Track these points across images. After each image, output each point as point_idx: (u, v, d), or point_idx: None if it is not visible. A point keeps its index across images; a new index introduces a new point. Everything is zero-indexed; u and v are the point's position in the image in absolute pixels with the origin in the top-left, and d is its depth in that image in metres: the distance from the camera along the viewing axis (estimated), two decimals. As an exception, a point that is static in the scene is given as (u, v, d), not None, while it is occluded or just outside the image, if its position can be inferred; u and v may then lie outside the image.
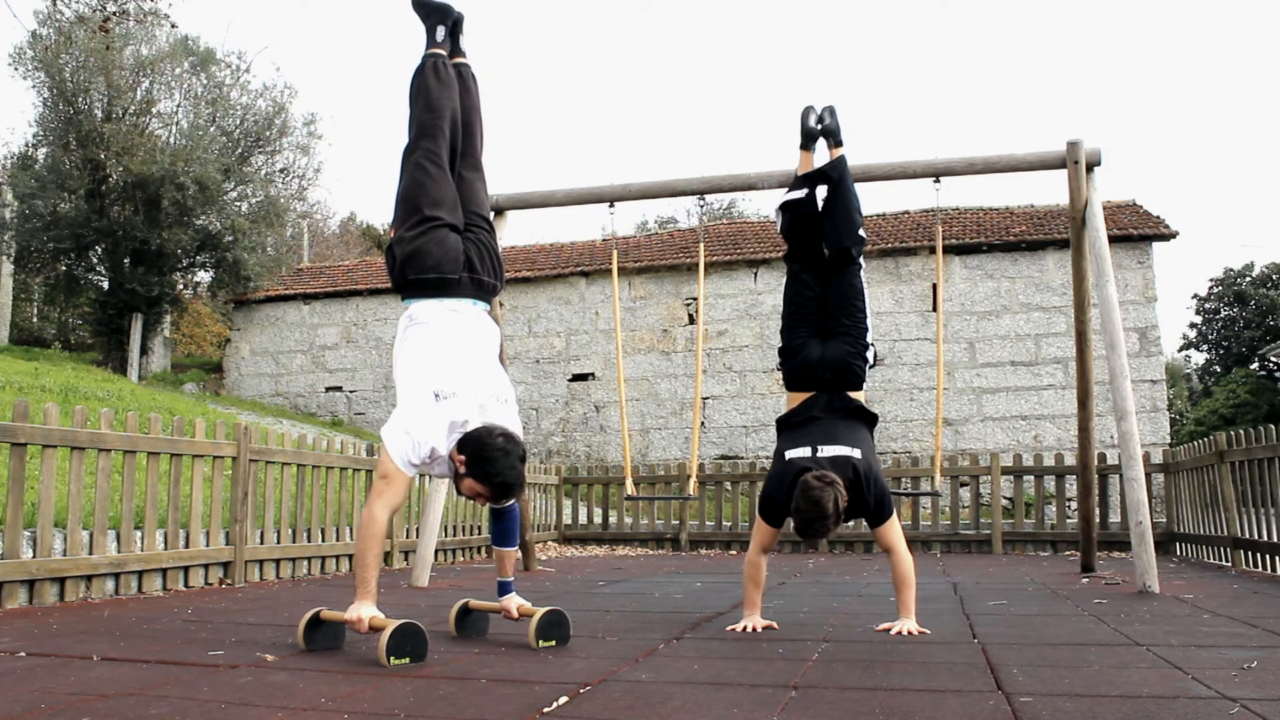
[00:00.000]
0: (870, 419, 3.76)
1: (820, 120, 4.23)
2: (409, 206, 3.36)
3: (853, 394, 3.76)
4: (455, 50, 3.73)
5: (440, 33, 3.66)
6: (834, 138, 4.19)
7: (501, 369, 3.35)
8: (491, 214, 3.66)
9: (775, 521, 3.57)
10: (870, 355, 3.85)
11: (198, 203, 16.85)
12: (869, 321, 3.88)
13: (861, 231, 4.00)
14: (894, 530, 3.53)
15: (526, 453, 3.11)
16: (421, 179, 3.38)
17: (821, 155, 4.27)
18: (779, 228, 4.14)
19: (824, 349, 3.78)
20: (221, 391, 17.42)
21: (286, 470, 6.20)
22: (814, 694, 2.38)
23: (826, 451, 3.48)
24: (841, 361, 3.74)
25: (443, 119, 3.48)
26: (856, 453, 3.49)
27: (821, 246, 3.96)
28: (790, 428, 3.70)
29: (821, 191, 4.01)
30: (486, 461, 2.96)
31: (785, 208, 4.06)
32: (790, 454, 3.54)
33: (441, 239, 3.31)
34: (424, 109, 3.49)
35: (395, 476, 3.04)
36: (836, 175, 4.04)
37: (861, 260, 3.97)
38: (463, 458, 3.00)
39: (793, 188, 4.12)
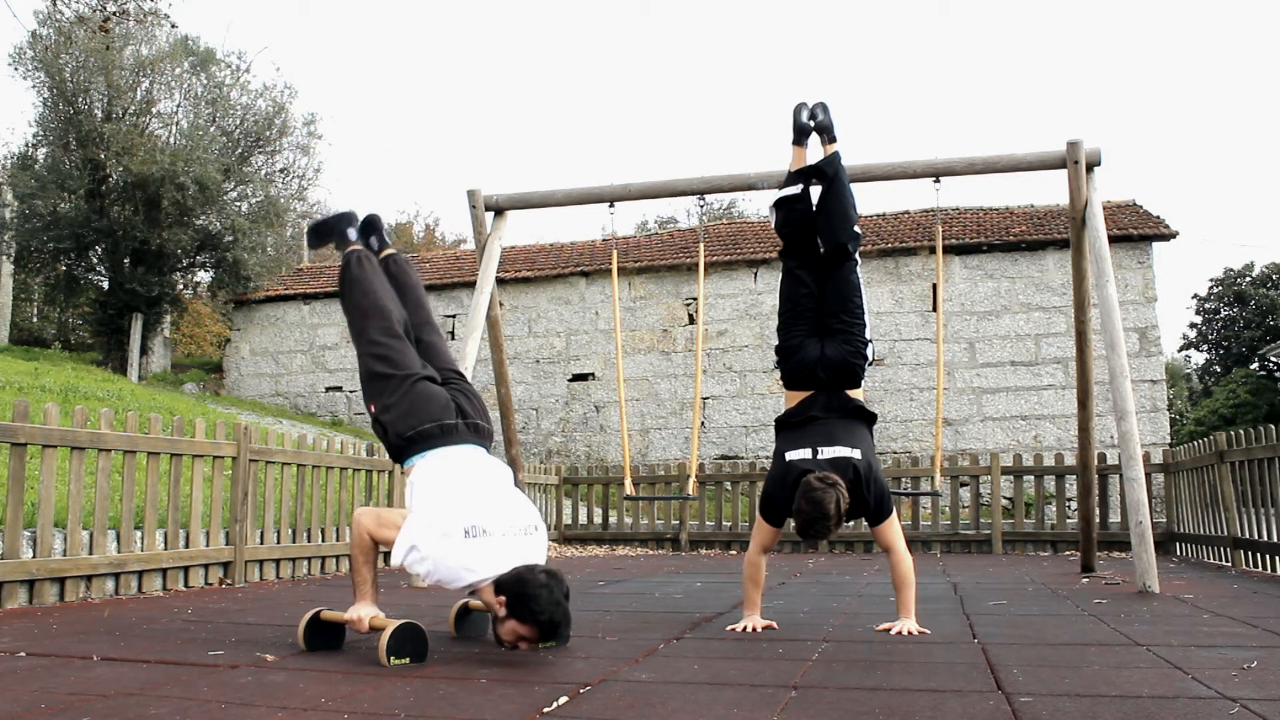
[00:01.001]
0: (870, 418, 3.75)
1: (813, 116, 4.17)
2: (380, 377, 3.31)
3: (851, 392, 3.75)
4: (381, 245, 3.80)
5: (352, 234, 3.71)
6: (828, 134, 4.14)
7: (524, 498, 3.22)
8: (462, 365, 3.66)
9: (776, 522, 3.57)
10: (869, 353, 3.83)
11: (198, 203, 16.86)
12: (867, 319, 3.87)
13: (857, 228, 3.97)
14: (894, 530, 3.53)
15: (569, 589, 2.99)
16: (382, 352, 3.35)
17: (815, 152, 4.25)
18: (773, 224, 4.11)
19: (822, 347, 3.77)
20: (221, 391, 17.42)
21: (286, 470, 6.20)
22: (814, 694, 2.38)
23: (827, 453, 3.48)
24: (840, 360, 3.73)
25: (380, 297, 3.48)
26: (856, 453, 3.49)
27: (817, 243, 3.95)
28: (789, 428, 3.69)
29: (816, 190, 4.00)
30: (530, 599, 2.82)
31: (779, 204, 4.03)
32: (791, 455, 3.54)
33: (426, 391, 3.27)
34: (360, 295, 3.50)
35: (390, 543, 2.97)
36: (831, 171, 4.00)
37: (858, 257, 3.95)
38: (502, 599, 2.86)
39: (786, 184, 4.08)
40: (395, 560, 2.96)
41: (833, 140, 4.12)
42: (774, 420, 3.86)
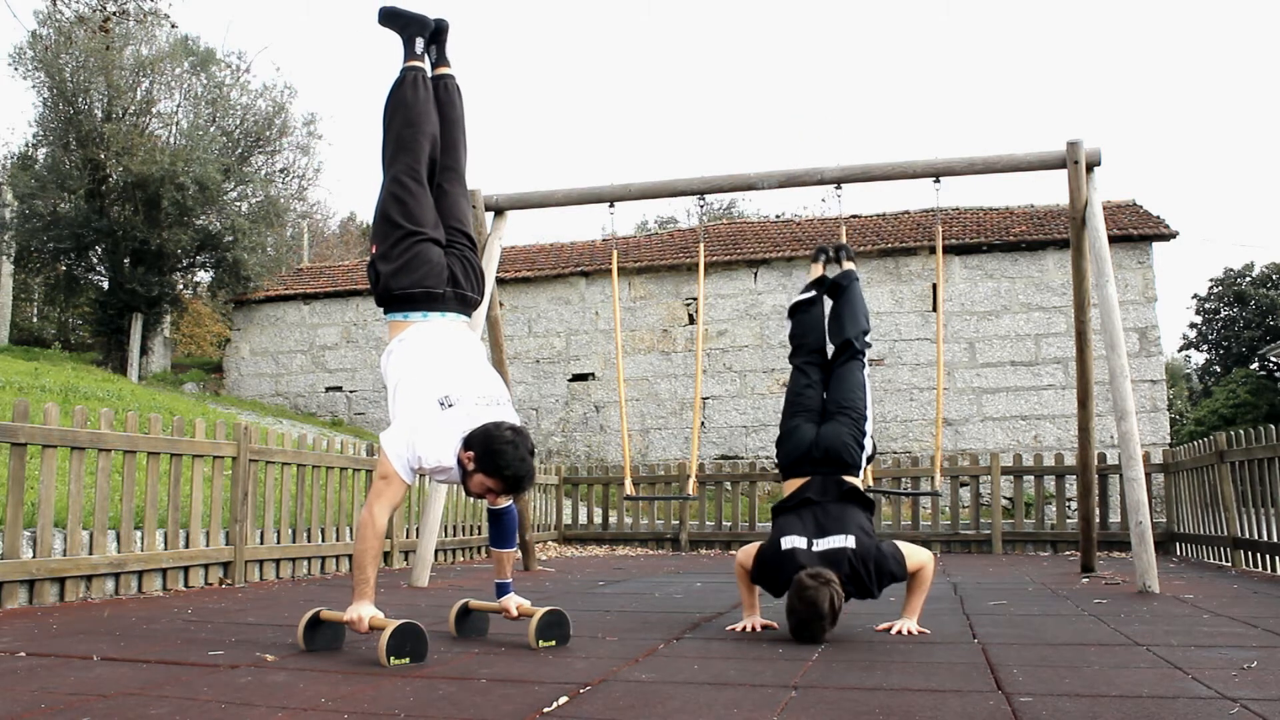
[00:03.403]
0: (866, 503, 3.64)
1: (836, 256, 4.61)
2: (389, 223, 3.34)
3: (848, 478, 3.66)
4: (440, 60, 3.66)
5: (419, 45, 3.58)
6: (846, 253, 4.61)
7: (494, 372, 3.34)
8: (473, 228, 3.64)
9: (763, 586, 3.55)
10: (869, 444, 3.80)
11: (198, 203, 16.86)
12: (870, 412, 3.88)
13: (868, 336, 4.15)
14: (914, 562, 3.45)
15: (534, 446, 3.11)
16: (401, 195, 3.35)
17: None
18: (789, 333, 4.33)
19: (819, 431, 3.74)
20: (221, 391, 17.42)
21: (286, 470, 6.20)
22: (814, 694, 2.38)
23: (821, 545, 3.39)
24: (837, 441, 3.67)
25: (422, 134, 3.44)
26: (850, 541, 3.38)
27: (824, 346, 4.13)
28: (785, 513, 3.62)
29: (828, 303, 4.30)
30: (496, 455, 2.94)
31: (795, 310, 4.29)
32: (786, 544, 3.44)
33: (425, 253, 3.30)
34: (403, 124, 3.44)
35: (394, 478, 3.05)
36: (846, 283, 4.29)
37: (865, 356, 4.05)
38: (471, 454, 2.98)
39: (805, 290, 4.38)
40: (406, 477, 3.04)
41: (850, 259, 4.58)
42: (771, 508, 3.81)
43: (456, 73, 3.68)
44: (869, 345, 4.14)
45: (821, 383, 3.99)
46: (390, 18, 3.64)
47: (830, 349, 4.12)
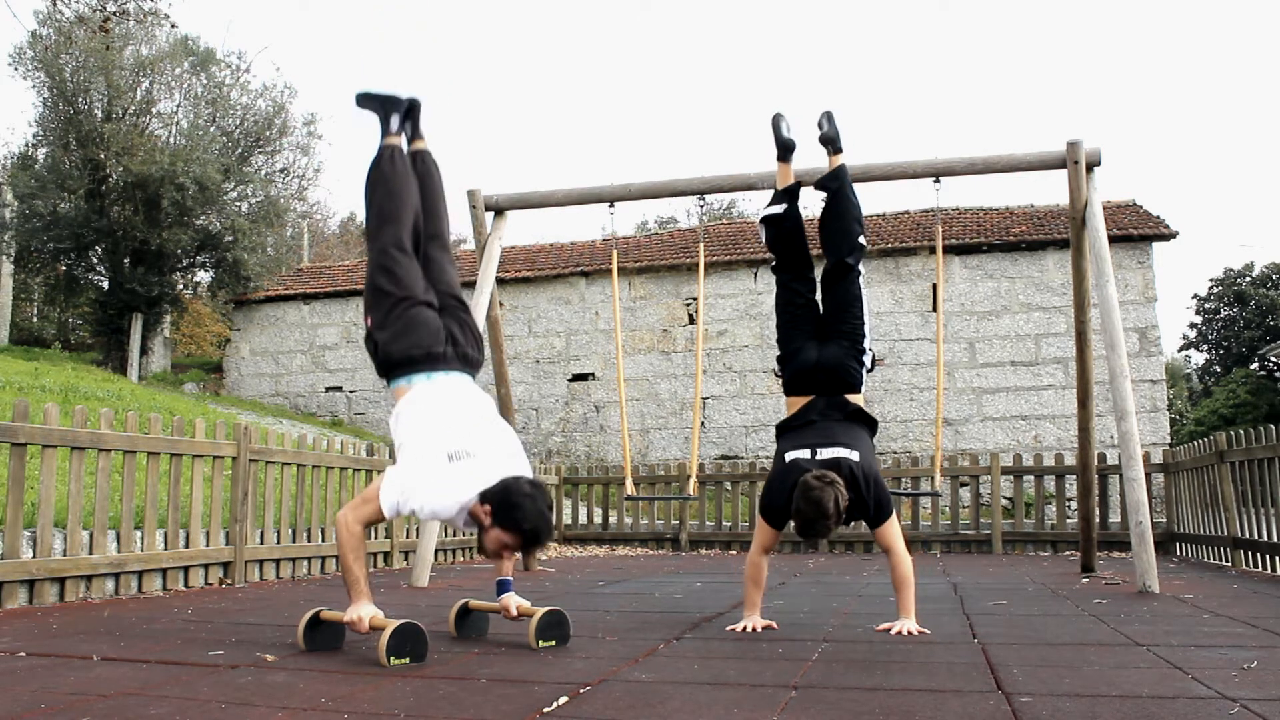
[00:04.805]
0: (869, 422, 3.75)
1: (819, 125, 4.15)
2: (381, 293, 3.35)
3: (851, 396, 3.75)
4: (415, 135, 3.76)
5: (394, 122, 3.68)
6: (833, 145, 4.08)
7: (506, 425, 3.28)
8: (462, 292, 3.63)
9: (776, 524, 3.57)
10: (868, 359, 3.83)
11: (198, 203, 16.86)
12: (867, 326, 3.87)
13: (862, 239, 3.99)
14: (893, 531, 3.53)
15: (553, 502, 3.06)
16: (389, 265, 3.36)
17: (818, 159, 4.26)
18: (763, 240, 4.10)
19: (820, 351, 3.78)
20: (221, 391, 17.42)
21: (286, 470, 6.20)
22: (814, 694, 2.38)
23: (825, 453, 3.48)
24: (838, 363, 3.74)
25: (404, 205, 3.48)
26: (854, 454, 3.48)
27: (807, 255, 3.98)
28: (789, 431, 3.70)
29: (819, 196, 4.04)
30: (514, 508, 2.88)
31: (766, 222, 4.02)
32: (790, 456, 3.54)
33: (421, 316, 3.30)
34: (384, 196, 3.49)
35: (376, 506, 3.00)
36: (836, 185, 3.98)
37: (861, 267, 3.96)
38: (487, 508, 2.92)
39: (772, 201, 4.04)
40: (388, 512, 2.98)
41: (838, 151, 4.08)
42: (775, 426, 3.86)
43: (430, 147, 3.80)
44: (864, 254, 4.01)
45: (811, 293, 3.91)
46: (368, 99, 3.77)
47: (827, 261, 3.92)
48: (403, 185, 3.52)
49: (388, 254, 3.38)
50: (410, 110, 3.74)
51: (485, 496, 2.94)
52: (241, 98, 18.72)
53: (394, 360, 3.26)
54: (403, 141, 3.69)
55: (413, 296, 3.33)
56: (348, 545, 3.02)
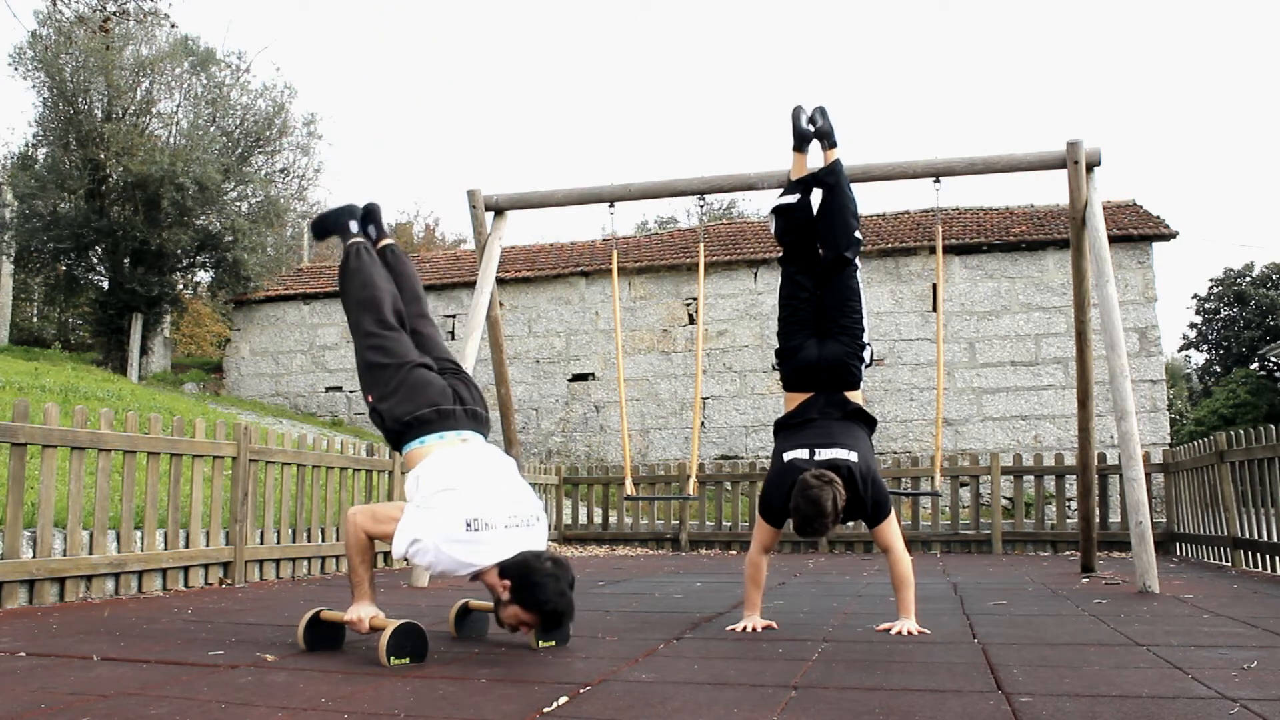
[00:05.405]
0: (868, 421, 3.75)
1: (812, 121, 4.18)
2: (377, 367, 3.32)
3: (850, 394, 3.75)
4: (380, 235, 3.82)
5: (354, 226, 3.74)
6: (828, 139, 4.13)
7: (525, 486, 3.20)
8: (458, 360, 3.65)
9: (775, 523, 3.57)
10: (867, 355, 3.84)
11: (198, 203, 16.86)
12: (866, 322, 3.87)
13: (858, 234, 3.98)
14: (892, 530, 3.53)
15: (574, 578, 3.00)
16: (379, 342, 3.36)
17: (814, 157, 4.25)
18: (772, 231, 4.11)
19: (821, 349, 3.78)
20: (221, 391, 17.42)
21: (286, 470, 6.20)
22: (814, 694, 2.38)
23: (823, 454, 3.48)
24: (838, 361, 3.74)
25: (380, 290, 3.49)
26: (853, 455, 3.48)
27: (816, 249, 3.96)
28: (788, 429, 3.70)
29: (816, 196, 4.01)
30: (536, 588, 2.83)
31: (778, 212, 4.03)
32: (788, 455, 3.54)
33: (424, 376, 3.28)
34: (359, 287, 3.52)
35: (389, 535, 2.95)
36: (833, 180, 4.00)
37: (858, 261, 3.96)
38: (506, 583, 2.87)
39: (786, 191, 4.07)
40: (397, 553, 2.95)
41: (833, 146, 4.12)
42: (774, 423, 3.86)
43: (394, 241, 3.88)
44: (861, 249, 4.02)
45: (815, 288, 3.91)
46: (322, 223, 3.88)
47: (822, 256, 3.93)
48: (375, 273, 3.56)
49: (374, 334, 3.37)
50: (368, 214, 3.82)
51: (505, 571, 2.88)
52: (241, 98, 18.73)
53: (404, 423, 3.18)
54: (366, 240, 3.73)
55: (410, 361, 3.30)
56: (355, 548, 3.02)
